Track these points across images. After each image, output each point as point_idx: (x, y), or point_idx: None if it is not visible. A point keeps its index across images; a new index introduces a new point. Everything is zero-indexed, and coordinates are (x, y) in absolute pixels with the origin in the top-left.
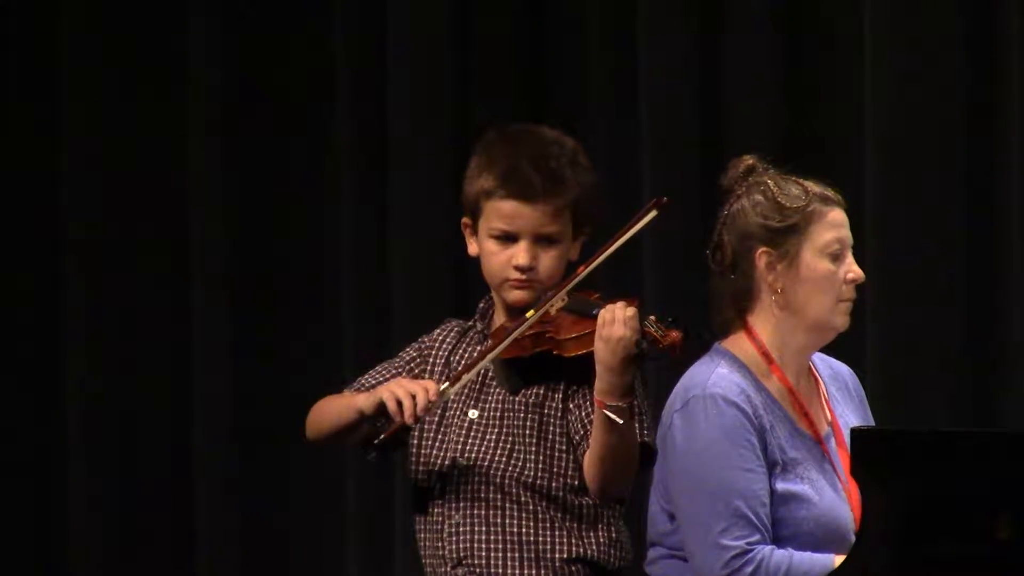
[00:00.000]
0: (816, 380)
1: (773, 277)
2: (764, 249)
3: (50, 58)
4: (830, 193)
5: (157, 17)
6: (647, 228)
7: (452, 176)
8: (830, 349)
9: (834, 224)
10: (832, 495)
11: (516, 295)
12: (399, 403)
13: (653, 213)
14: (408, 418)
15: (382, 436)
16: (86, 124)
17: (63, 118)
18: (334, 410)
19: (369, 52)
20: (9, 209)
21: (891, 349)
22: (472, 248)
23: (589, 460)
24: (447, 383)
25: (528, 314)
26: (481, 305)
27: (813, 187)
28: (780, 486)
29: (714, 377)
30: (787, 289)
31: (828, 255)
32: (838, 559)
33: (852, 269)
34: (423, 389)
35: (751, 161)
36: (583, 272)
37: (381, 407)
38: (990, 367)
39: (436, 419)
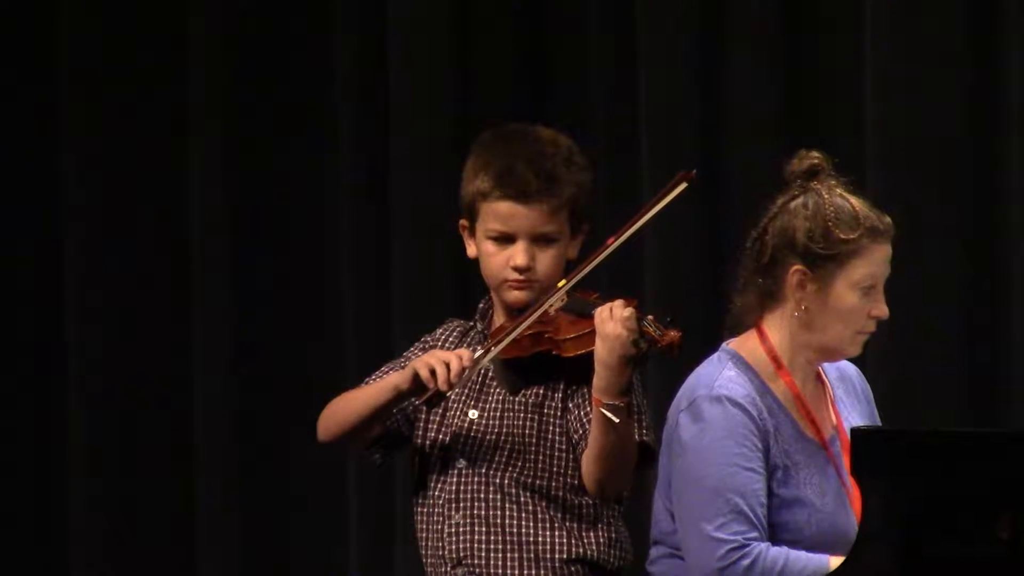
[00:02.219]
0: (823, 383)
1: (801, 295)
2: (799, 267)
3: (50, 58)
4: (880, 224)
5: (157, 17)
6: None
7: (452, 176)
8: None
9: (876, 261)
10: (835, 500)
11: (515, 296)
12: (432, 371)
13: (683, 186)
14: (443, 384)
15: (416, 402)
16: (86, 124)
17: (63, 118)
18: (360, 399)
19: (369, 52)
20: (9, 208)
21: (891, 349)
22: (471, 250)
23: (587, 458)
24: (480, 351)
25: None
26: (481, 305)
27: (867, 216)
28: (783, 491)
29: (721, 379)
30: (811, 310)
31: (860, 289)
32: (834, 559)
33: (879, 306)
34: (456, 357)
35: (817, 161)
36: (614, 244)
37: (416, 379)
38: (990, 367)
39: (437, 419)
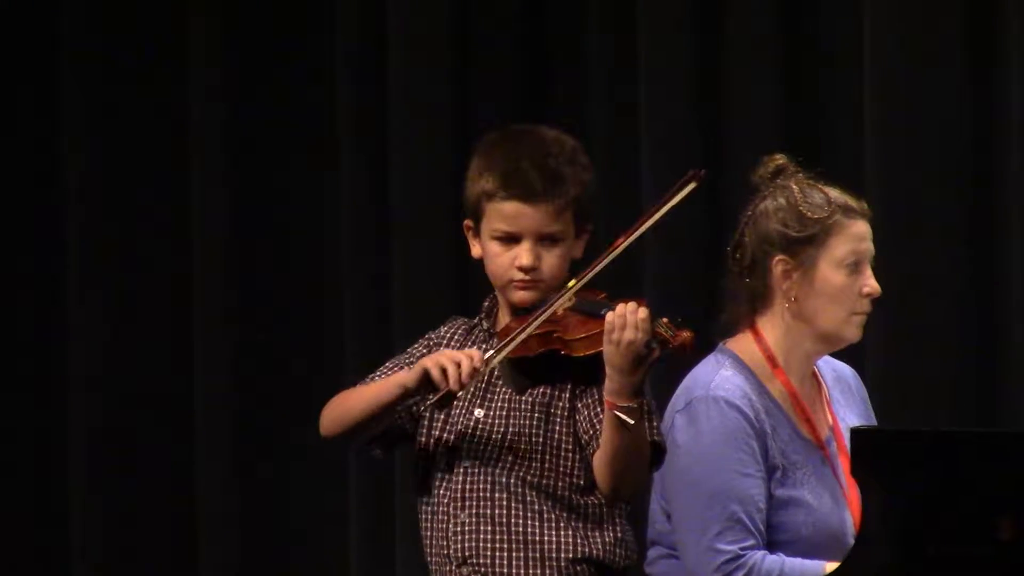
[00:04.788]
0: (819, 383)
1: (788, 285)
2: (781, 257)
3: (50, 57)
4: (854, 204)
5: (157, 18)
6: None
7: (452, 176)
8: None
9: (854, 237)
10: (831, 500)
11: (520, 296)
12: (444, 371)
13: (692, 185)
14: (454, 384)
15: (429, 402)
16: (86, 125)
17: (63, 117)
18: (365, 396)
19: (369, 53)
20: (9, 209)
21: (891, 349)
22: (475, 250)
23: (600, 461)
24: (491, 351)
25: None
26: (486, 304)
27: (838, 197)
28: (779, 491)
29: (718, 379)
30: (801, 298)
31: (845, 267)
32: (829, 566)
33: (868, 283)
34: (467, 356)
35: (781, 161)
36: (622, 244)
37: (425, 378)
38: (990, 368)
39: (442, 417)
